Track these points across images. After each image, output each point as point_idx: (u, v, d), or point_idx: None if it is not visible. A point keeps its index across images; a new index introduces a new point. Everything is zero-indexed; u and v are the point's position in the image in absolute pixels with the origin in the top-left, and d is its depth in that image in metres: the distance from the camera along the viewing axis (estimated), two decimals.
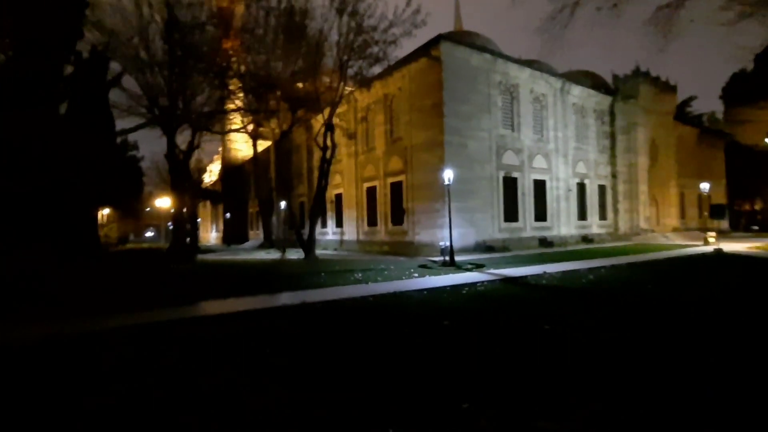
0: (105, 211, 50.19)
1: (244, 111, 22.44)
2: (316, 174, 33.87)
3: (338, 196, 31.17)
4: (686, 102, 49.85)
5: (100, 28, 18.80)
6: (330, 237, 32.43)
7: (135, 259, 24.59)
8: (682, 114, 45.08)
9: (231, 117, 24.62)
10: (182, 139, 25.37)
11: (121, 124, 22.65)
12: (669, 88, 32.80)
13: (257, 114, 22.64)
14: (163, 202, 23.85)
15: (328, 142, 20.75)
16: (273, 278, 13.95)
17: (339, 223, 31.15)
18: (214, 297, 9.87)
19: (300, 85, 20.23)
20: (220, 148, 53.29)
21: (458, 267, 15.55)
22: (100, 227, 44.57)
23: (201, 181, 52.02)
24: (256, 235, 45.23)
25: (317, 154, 33.55)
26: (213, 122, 23.26)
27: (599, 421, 3.24)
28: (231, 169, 49.99)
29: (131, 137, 31.92)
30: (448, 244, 17.83)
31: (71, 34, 16.44)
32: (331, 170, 31.94)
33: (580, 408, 3.44)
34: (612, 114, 31.14)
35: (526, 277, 12.21)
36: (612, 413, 3.37)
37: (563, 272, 13.23)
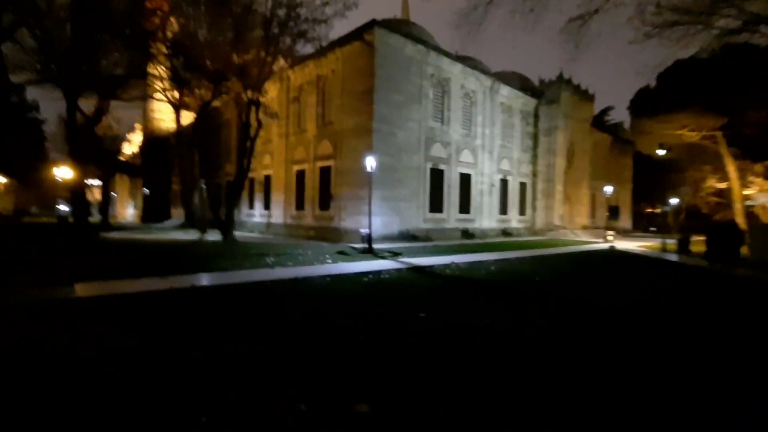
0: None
1: (159, 78, 20.62)
2: (253, 152, 32.54)
3: (267, 178, 30.10)
4: (605, 111, 54.31)
5: None
6: (257, 219, 31.33)
7: (23, 233, 21.93)
8: (601, 122, 49.05)
9: (152, 83, 22.53)
10: (92, 103, 22.98)
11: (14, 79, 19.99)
12: (587, 97, 35.37)
13: (175, 83, 20.91)
14: (64, 173, 21.31)
15: (253, 120, 19.83)
16: (176, 260, 13.11)
17: (267, 206, 30.16)
18: (97, 278, 9.02)
19: (224, 54, 18.94)
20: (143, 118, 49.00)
21: (375, 254, 15.66)
22: None
23: (118, 152, 47.71)
24: (179, 213, 42.44)
25: (248, 132, 32.13)
26: (124, 88, 21.11)
27: (404, 398, 3.34)
28: (153, 142, 46.14)
29: (31, 96, 28.16)
30: (366, 231, 17.97)
31: None
32: (262, 150, 30.87)
33: (396, 390, 3.53)
34: (536, 116, 33.01)
35: (433, 266, 12.59)
36: (415, 393, 3.49)
37: (471, 263, 13.83)
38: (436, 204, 24.91)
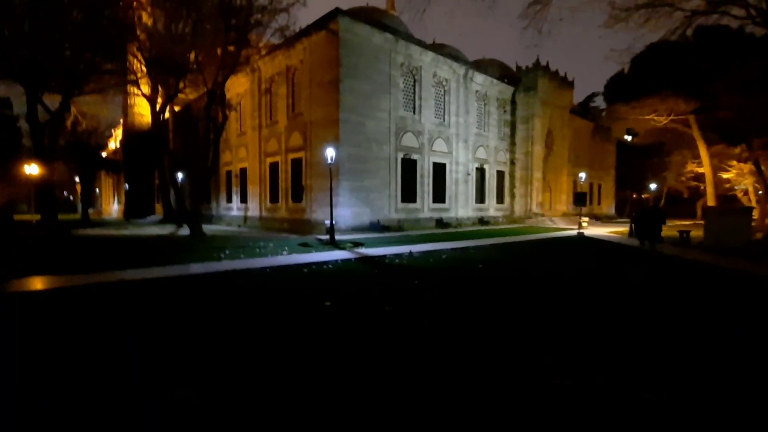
0: None
1: (121, 72, 20.33)
2: (219, 146, 32.28)
3: (243, 171, 29.95)
4: (590, 98, 54.14)
5: None
6: (235, 213, 31.23)
7: None
8: (587, 108, 48.95)
9: (114, 77, 22.19)
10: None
11: None
12: (566, 84, 35.23)
13: (137, 77, 20.62)
14: (32, 170, 20.96)
15: (216, 113, 19.64)
16: (133, 255, 13.17)
17: (244, 199, 30.04)
18: (38, 273, 9.01)
19: (183, 48, 18.70)
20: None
21: (336, 246, 15.67)
22: None
23: (99, 148, 47.21)
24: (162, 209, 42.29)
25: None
26: (89, 82, 20.77)
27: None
28: (134, 137, 45.73)
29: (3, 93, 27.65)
30: (334, 222, 18.00)
31: None
32: (237, 143, 30.74)
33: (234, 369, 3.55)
34: (514, 104, 32.88)
35: (386, 256, 12.63)
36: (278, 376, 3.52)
37: (428, 252, 13.86)
38: (409, 194, 24.88)
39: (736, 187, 33.35)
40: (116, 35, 20.31)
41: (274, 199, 26.49)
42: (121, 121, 49.20)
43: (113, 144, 56.53)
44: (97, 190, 62.10)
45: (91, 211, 54.11)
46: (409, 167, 24.86)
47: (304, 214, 23.64)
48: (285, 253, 13.38)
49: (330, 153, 16.75)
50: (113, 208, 54.62)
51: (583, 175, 26.29)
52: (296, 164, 24.34)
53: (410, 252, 13.57)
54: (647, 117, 23.91)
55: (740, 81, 18.73)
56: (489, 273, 9.73)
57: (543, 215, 32.86)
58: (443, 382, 3.58)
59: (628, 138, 20.67)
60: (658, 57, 23.77)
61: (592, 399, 3.28)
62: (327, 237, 18.11)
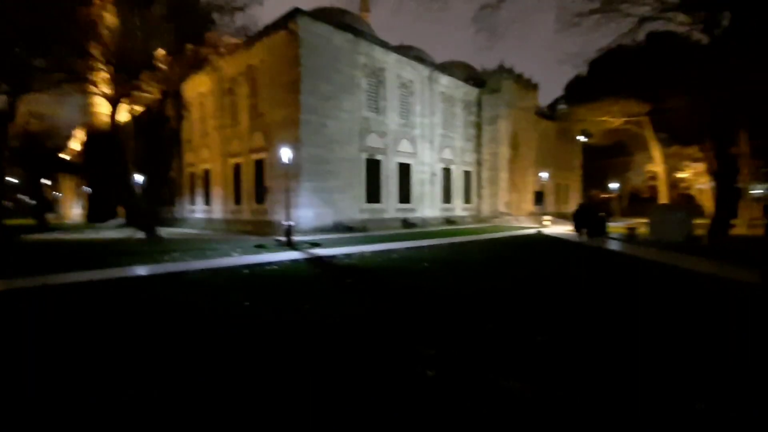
0: None
1: (70, 70, 19.53)
2: (182, 147, 31.61)
3: (206, 172, 29.36)
4: (559, 100, 55.56)
5: None
6: (199, 215, 30.58)
7: None
8: (554, 110, 50.17)
9: (59, 74, 21.29)
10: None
11: None
12: (530, 86, 35.98)
13: (87, 75, 19.90)
14: None
15: (172, 113, 19.18)
16: (73, 259, 12.63)
17: (207, 201, 29.46)
18: None
19: (134, 46, 18.15)
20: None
21: (292, 246, 15.53)
22: None
23: (58, 149, 45.42)
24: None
25: (186, 126, 31.25)
26: (38, 80, 19.92)
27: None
28: (96, 138, 44.16)
29: None
30: (292, 223, 17.86)
31: None
32: (200, 144, 30.14)
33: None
34: (479, 105, 33.37)
35: (336, 256, 12.58)
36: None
37: (380, 251, 13.85)
38: (374, 194, 24.90)
39: (697, 186, 34.76)
40: (67, 33, 19.61)
41: (237, 200, 26.07)
42: (82, 121, 47.55)
43: (76, 145, 54.57)
44: (58, 193, 59.71)
45: (52, 215, 52.10)
46: (373, 168, 24.88)
47: (267, 216, 23.34)
48: (236, 254, 13.18)
49: (286, 154, 16.62)
50: (75, 211, 52.65)
51: (544, 174, 26.92)
52: (259, 165, 24.02)
53: (360, 252, 13.56)
54: (602, 119, 24.67)
55: (686, 85, 19.51)
56: (427, 270, 9.81)
57: (510, 215, 33.41)
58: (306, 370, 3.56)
59: (583, 138, 21.27)
60: (613, 61, 24.54)
61: (452, 386, 3.32)
62: (285, 238, 17.95)
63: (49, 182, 49.94)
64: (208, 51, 20.33)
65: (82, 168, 42.27)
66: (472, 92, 32.72)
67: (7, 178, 54.91)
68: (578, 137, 22.47)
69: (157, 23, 17.70)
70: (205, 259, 12.09)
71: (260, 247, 15.36)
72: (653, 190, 45.74)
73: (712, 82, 14.55)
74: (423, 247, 15.26)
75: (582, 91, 27.34)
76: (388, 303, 6.50)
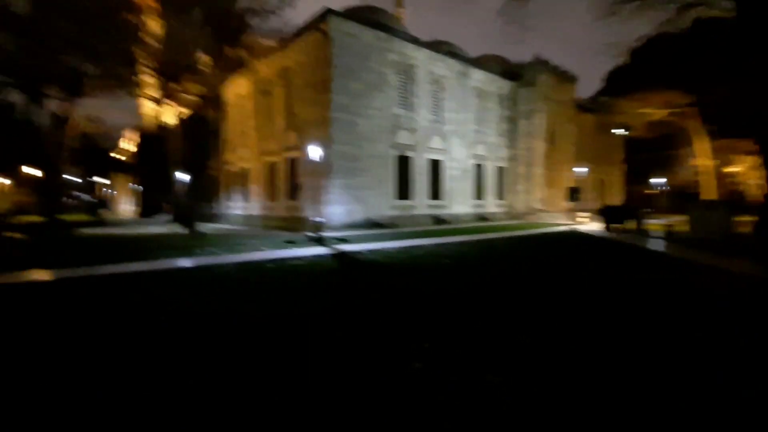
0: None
1: (119, 78, 21.04)
2: (223, 147, 33.07)
3: (245, 170, 30.57)
4: (601, 91, 53.24)
5: None
6: (238, 211, 31.90)
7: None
8: (595, 102, 48.12)
9: (112, 80, 22.98)
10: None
11: None
12: (568, 78, 34.71)
13: (134, 81, 21.34)
14: (35, 172, 22.15)
15: (209, 114, 20.20)
16: (117, 252, 13.67)
17: (246, 198, 30.69)
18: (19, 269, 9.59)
19: (176, 54, 19.29)
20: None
21: (321, 242, 16.00)
22: None
23: (113, 150, 48.79)
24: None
25: (226, 126, 32.69)
26: (87, 88, 21.65)
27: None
28: (146, 138, 47.06)
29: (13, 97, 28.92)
30: (321, 219, 18.41)
31: None
32: (240, 143, 31.41)
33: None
34: (514, 99, 32.61)
35: (361, 252, 12.87)
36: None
37: (405, 248, 13.97)
38: (404, 191, 25.03)
39: (751, 181, 32.35)
40: (115, 41, 21.12)
41: (273, 197, 27.01)
42: (134, 123, 50.76)
43: (128, 146, 58.35)
44: (111, 191, 64.02)
45: (106, 211, 56.04)
46: (403, 164, 24.99)
47: (300, 212, 24.03)
48: (266, 249, 13.73)
49: (316, 152, 17.14)
50: (127, 208, 56.32)
51: (580, 170, 25.96)
52: (293, 163, 24.77)
53: (383, 248, 13.76)
54: (643, 111, 23.49)
55: (732, 74, 18.24)
56: (446, 266, 9.87)
57: (545, 211, 32.48)
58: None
59: (620, 132, 20.39)
60: (655, 50, 23.30)
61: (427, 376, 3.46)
62: (322, 234, 18.51)
63: (103, 180, 53.77)
64: (245, 54, 21.17)
65: (133, 167, 45.20)
66: (506, 86, 32.03)
67: (70, 177, 59.75)
68: (614, 131, 21.45)
69: (196, 29, 18.70)
70: (236, 253, 12.71)
71: (290, 243, 15.93)
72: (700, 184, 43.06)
73: (759, 71, 13.55)
74: (449, 243, 15.26)
75: (622, 82, 26.18)
76: (394, 297, 6.67)
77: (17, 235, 19.44)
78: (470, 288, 7.37)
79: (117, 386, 3.44)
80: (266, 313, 5.66)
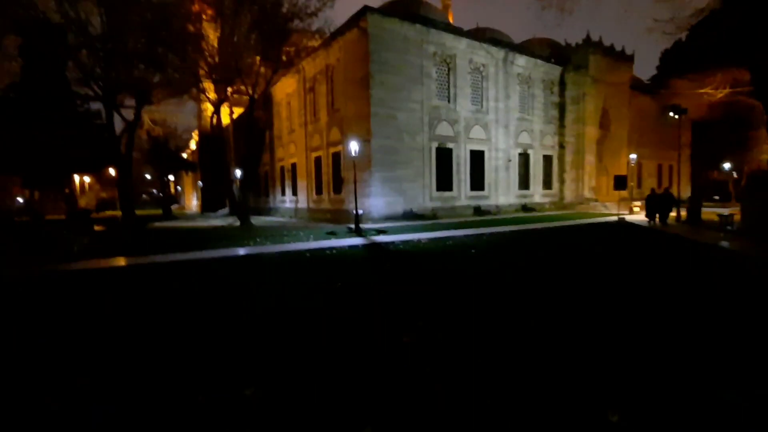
0: (87, 179, 51.84)
1: (181, 81, 23.04)
2: (274, 144, 34.99)
3: (294, 165, 32.18)
4: (658, 72, 49.27)
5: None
6: (288, 205, 33.73)
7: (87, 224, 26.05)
8: (656, 82, 44.76)
9: (177, 86, 25.25)
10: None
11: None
12: (624, 58, 32.69)
13: (192, 85, 23.32)
14: (112, 171, 25.25)
15: (260, 113, 21.64)
16: (180, 242, 15.35)
17: (294, 192, 32.35)
18: (94, 256, 11.30)
19: (227, 60, 20.85)
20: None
21: (360, 233, 16.81)
22: (80, 195, 46.24)
23: (179, 149, 52.99)
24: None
25: (277, 124, 34.51)
26: (154, 96, 23.99)
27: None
28: (207, 138, 50.72)
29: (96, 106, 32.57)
30: (362, 211, 19.19)
31: None
32: (288, 140, 33.07)
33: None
34: (563, 84, 31.35)
35: (394, 242, 13.48)
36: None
37: (439, 238, 14.38)
38: (445, 182, 25.19)
39: None
40: (177, 51, 23.17)
41: (318, 191, 28.31)
42: (197, 124, 54.80)
43: (193, 145, 63.14)
44: (179, 188, 69.59)
45: (175, 206, 61.18)
46: (444, 156, 25.12)
47: (343, 205, 25.06)
48: (307, 240, 14.76)
49: (354, 146, 17.87)
50: (193, 203, 61.10)
51: (634, 156, 24.60)
52: (336, 158, 25.81)
53: (418, 239, 14.22)
54: (703, 91, 21.71)
55: None
56: (469, 255, 10.19)
57: (596, 200, 31.13)
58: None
59: (674, 115, 19.10)
60: (715, 23, 21.41)
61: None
62: (362, 225, 19.35)
63: (172, 178, 58.70)
64: (291, 54, 22.31)
65: (197, 165, 48.95)
66: (553, 70, 30.85)
67: (147, 176, 65.72)
68: (671, 113, 20.09)
69: (247, 34, 20.10)
70: (280, 243, 13.84)
71: (331, 234, 16.90)
72: None
73: None
74: (483, 234, 15.42)
75: (678, 60, 24.28)
76: (403, 282, 7.20)
77: (101, 228, 22.25)
78: (477, 276, 7.73)
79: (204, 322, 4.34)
80: (303, 286, 6.45)
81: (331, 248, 12.23)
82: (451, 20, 76.35)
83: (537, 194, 30.69)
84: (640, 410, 2.89)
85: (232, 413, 2.95)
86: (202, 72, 23.00)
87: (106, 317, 5.57)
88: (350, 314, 5.34)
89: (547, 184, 31.49)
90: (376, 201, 22.37)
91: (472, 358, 3.84)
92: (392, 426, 2.78)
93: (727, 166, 31.44)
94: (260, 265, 9.67)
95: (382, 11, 22.84)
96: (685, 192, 43.78)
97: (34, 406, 3.17)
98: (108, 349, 4.37)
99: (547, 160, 31.43)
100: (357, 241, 14.17)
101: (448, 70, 25.19)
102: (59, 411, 3.05)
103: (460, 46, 25.35)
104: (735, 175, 44.35)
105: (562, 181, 31.96)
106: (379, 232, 17.29)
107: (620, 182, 19.64)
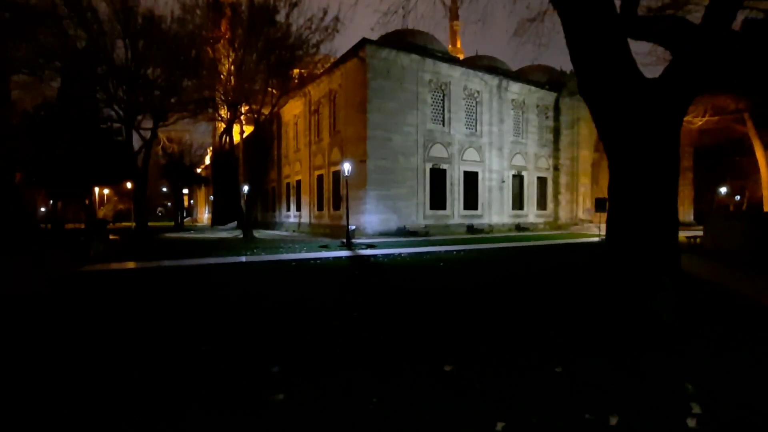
0: (105, 191, 54.42)
1: (193, 103, 25.10)
2: (281, 161, 36.81)
3: (298, 182, 33.83)
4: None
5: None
6: (292, 219, 35.26)
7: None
8: None
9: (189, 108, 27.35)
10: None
11: None
12: None
13: (202, 107, 25.38)
14: (129, 185, 27.37)
15: (268, 133, 23.36)
16: (186, 251, 16.84)
17: (298, 207, 33.91)
18: (105, 261, 12.79)
19: (235, 86, 22.78)
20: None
21: (350, 247, 18.07)
22: (99, 206, 48.71)
23: (194, 165, 55.53)
24: None
25: (284, 143, 36.39)
26: (169, 116, 26.13)
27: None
28: (220, 155, 53.16)
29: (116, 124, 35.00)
30: (356, 227, 20.52)
31: None
32: (292, 158, 34.84)
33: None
34: (557, 109, 32.61)
35: (377, 255, 14.68)
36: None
37: (421, 253, 15.55)
38: (438, 201, 26.42)
39: None
40: (192, 76, 25.30)
41: (320, 207, 29.79)
42: (211, 142, 57.50)
43: (208, 161, 65.95)
44: (192, 201, 72.15)
45: (188, 219, 63.56)
46: (438, 176, 26.43)
47: (341, 221, 26.33)
48: (299, 252, 16.08)
49: (348, 167, 19.32)
50: (205, 216, 63.37)
51: None
52: (336, 176, 27.32)
53: (400, 253, 15.41)
54: (689, 118, 22.74)
55: None
56: (438, 268, 11.34)
57: (590, 221, 31.89)
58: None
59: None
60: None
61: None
62: (354, 240, 20.65)
63: (186, 191, 61.36)
64: (294, 82, 24.18)
65: (209, 180, 51.25)
66: (548, 96, 32.18)
67: (164, 189, 68.33)
68: None
69: (255, 63, 22.04)
70: (274, 254, 15.20)
71: (323, 247, 18.19)
72: None
73: None
74: (462, 250, 16.54)
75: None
76: (366, 287, 8.41)
77: (116, 237, 24.01)
78: (437, 286, 8.90)
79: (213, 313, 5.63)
80: (281, 288, 7.72)
81: (316, 259, 13.51)
82: (459, 46, 78.69)
83: (531, 214, 31.66)
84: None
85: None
86: (214, 94, 24.98)
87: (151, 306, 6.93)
88: (302, 302, 6.58)
89: (541, 204, 32.46)
90: (371, 218, 23.69)
91: (376, 329, 5.04)
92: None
93: (723, 190, 31.84)
94: (247, 271, 10.99)
95: (380, 42, 24.59)
96: (689, 215, 44.29)
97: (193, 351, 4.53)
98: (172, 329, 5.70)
99: (542, 181, 32.48)
100: (344, 253, 15.42)
101: (443, 96, 26.73)
102: (209, 351, 4.48)
103: (455, 74, 26.93)
104: (737, 198, 44.70)
105: (557, 203, 32.90)
106: (368, 246, 18.51)
107: (600, 204, 20.54)
